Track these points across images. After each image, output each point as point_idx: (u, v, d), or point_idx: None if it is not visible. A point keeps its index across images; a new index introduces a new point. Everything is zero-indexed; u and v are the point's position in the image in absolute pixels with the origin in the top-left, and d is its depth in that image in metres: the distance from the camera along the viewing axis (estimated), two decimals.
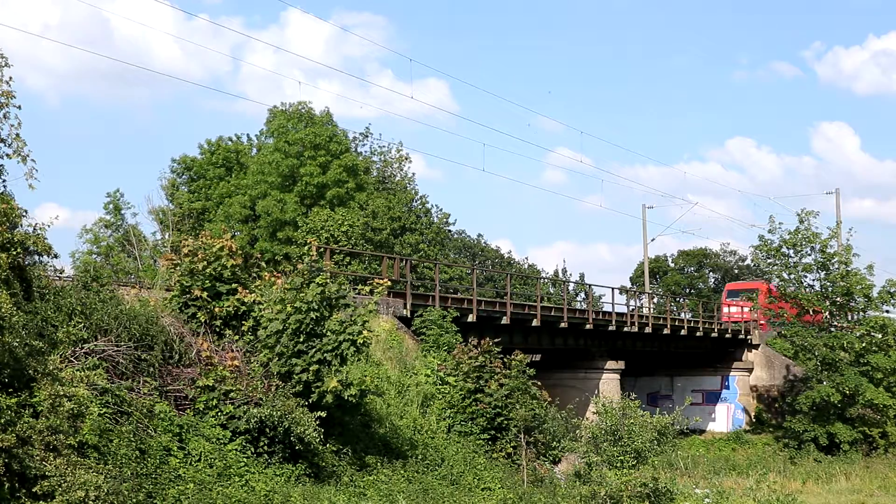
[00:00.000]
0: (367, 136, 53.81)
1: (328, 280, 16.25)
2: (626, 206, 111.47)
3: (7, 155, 13.14)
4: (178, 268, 17.07)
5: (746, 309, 42.46)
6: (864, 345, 34.40)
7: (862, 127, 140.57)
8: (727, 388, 42.98)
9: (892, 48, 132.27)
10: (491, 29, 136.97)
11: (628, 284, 75.80)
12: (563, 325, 30.84)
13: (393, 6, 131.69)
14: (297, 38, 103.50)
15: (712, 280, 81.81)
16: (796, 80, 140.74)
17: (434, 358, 22.55)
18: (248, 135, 54.32)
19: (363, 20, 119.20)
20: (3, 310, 11.03)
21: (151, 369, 14.37)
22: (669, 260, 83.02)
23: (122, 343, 14.06)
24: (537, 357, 34.80)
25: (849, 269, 35.74)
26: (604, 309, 35.16)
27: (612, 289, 37.04)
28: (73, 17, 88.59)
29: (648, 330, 36.55)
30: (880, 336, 35.23)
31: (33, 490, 10.35)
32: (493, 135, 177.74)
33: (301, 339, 15.63)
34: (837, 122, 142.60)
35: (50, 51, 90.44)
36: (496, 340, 22.59)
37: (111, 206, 51.85)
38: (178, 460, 13.19)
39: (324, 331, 15.68)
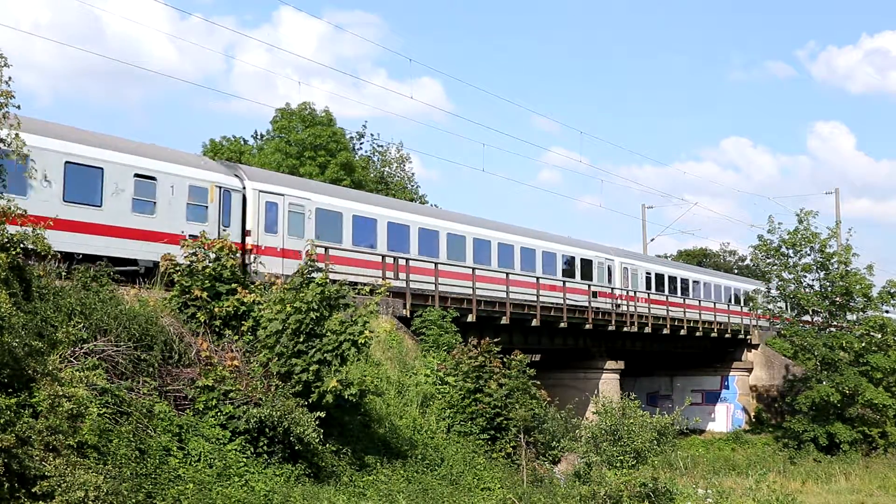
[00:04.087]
0: (365, 136, 53.79)
1: (328, 280, 16.25)
2: (625, 206, 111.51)
3: (6, 155, 13.15)
4: (177, 268, 17.07)
5: None
6: (863, 345, 34.42)
7: (857, 126, 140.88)
8: (727, 388, 43.00)
9: (885, 47, 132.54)
10: (486, 28, 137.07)
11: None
12: (562, 325, 30.85)
13: (385, 5, 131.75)
14: (291, 36, 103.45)
15: None
16: (791, 80, 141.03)
17: (434, 358, 22.53)
18: (244, 139, 54.25)
19: (355, 19, 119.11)
20: (2, 310, 11.02)
21: (151, 369, 14.36)
22: (669, 260, 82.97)
23: (122, 343, 14.06)
24: (537, 357, 34.81)
25: (848, 269, 35.76)
26: (604, 309, 35.14)
27: (612, 288, 37.09)
28: (65, 16, 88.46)
29: (648, 330, 36.55)
30: (880, 336, 35.26)
31: (33, 490, 10.35)
32: (490, 134, 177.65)
33: (301, 339, 15.62)
34: (833, 121, 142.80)
35: (42, 49, 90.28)
36: (496, 340, 22.60)
37: None
38: (177, 460, 13.19)
39: (324, 331, 15.67)
